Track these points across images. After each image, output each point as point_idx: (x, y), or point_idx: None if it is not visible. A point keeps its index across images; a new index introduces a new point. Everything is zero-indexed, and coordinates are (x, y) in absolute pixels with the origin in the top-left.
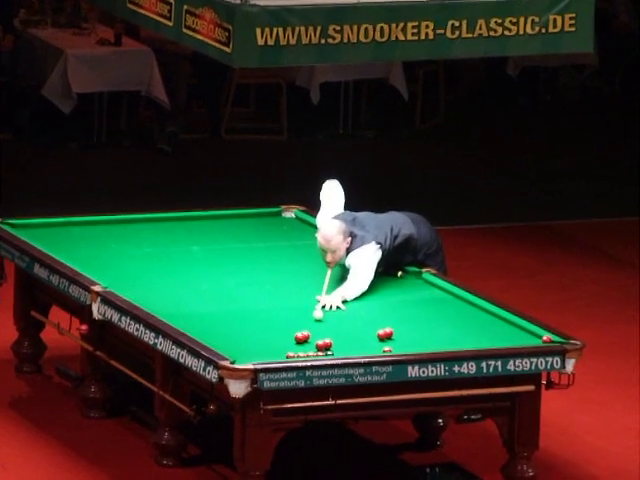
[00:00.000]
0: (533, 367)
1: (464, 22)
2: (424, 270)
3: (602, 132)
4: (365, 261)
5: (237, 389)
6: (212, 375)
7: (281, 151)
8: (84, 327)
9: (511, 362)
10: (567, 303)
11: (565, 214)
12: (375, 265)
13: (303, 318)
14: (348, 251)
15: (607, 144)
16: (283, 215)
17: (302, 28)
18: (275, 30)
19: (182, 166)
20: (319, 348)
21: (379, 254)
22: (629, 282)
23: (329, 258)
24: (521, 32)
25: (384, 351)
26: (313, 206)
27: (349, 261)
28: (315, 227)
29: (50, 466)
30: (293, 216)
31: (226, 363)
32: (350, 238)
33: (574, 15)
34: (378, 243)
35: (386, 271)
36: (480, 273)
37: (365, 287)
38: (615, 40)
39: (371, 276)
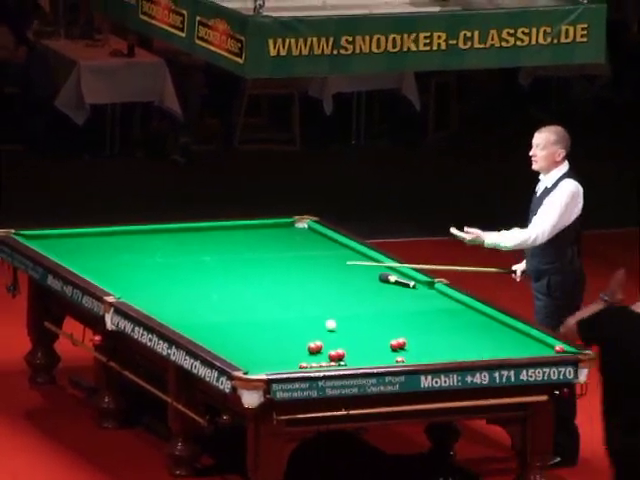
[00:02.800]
0: (546, 377)
1: (476, 33)
2: (437, 280)
3: (614, 142)
4: (551, 210)
5: (250, 399)
6: (225, 385)
7: (294, 162)
8: (97, 338)
9: (524, 372)
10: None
11: None
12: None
13: (316, 328)
14: (548, 170)
15: (619, 154)
16: (296, 226)
17: (314, 39)
18: (287, 41)
19: (195, 177)
20: (332, 358)
21: (578, 203)
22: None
23: (533, 152)
24: (533, 42)
25: (397, 361)
26: (326, 217)
27: (547, 198)
28: (328, 238)
29: (63, 477)
30: (306, 227)
31: (239, 374)
32: (562, 156)
33: (586, 26)
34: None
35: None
36: (491, 283)
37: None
38: (627, 51)
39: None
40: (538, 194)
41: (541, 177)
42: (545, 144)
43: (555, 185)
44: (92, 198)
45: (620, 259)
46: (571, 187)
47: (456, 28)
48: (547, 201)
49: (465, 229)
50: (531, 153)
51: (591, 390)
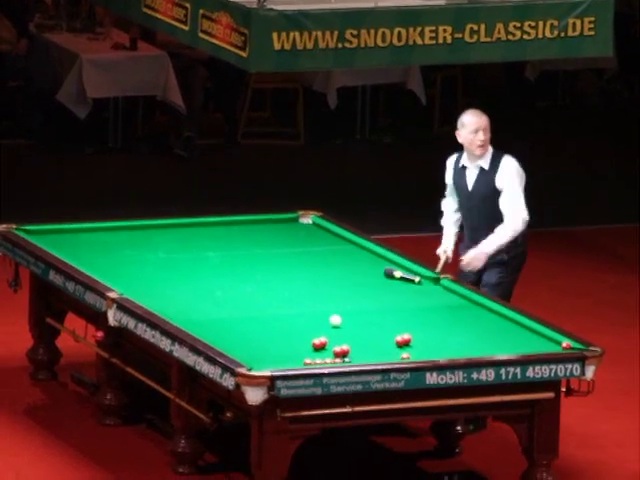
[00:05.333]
0: (552, 374)
1: (482, 26)
2: (442, 276)
3: (622, 136)
4: (514, 194)
5: (254, 396)
6: (229, 382)
7: (298, 156)
8: (100, 334)
9: (530, 369)
10: (586, 309)
11: (584, 219)
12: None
13: (320, 325)
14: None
15: (627, 148)
16: (300, 221)
17: (319, 32)
18: (292, 34)
19: (198, 171)
20: (336, 355)
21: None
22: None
23: (484, 136)
24: (540, 36)
25: (402, 358)
26: (330, 212)
27: (502, 181)
28: (333, 233)
29: (65, 474)
30: (310, 222)
31: (243, 370)
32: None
33: (593, 19)
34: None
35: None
36: None
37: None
38: (635, 44)
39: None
40: (473, 177)
41: (466, 161)
42: (489, 127)
43: (495, 165)
44: (94, 192)
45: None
46: (514, 162)
47: (462, 21)
48: (505, 184)
49: (463, 261)
50: (484, 138)
51: (598, 388)
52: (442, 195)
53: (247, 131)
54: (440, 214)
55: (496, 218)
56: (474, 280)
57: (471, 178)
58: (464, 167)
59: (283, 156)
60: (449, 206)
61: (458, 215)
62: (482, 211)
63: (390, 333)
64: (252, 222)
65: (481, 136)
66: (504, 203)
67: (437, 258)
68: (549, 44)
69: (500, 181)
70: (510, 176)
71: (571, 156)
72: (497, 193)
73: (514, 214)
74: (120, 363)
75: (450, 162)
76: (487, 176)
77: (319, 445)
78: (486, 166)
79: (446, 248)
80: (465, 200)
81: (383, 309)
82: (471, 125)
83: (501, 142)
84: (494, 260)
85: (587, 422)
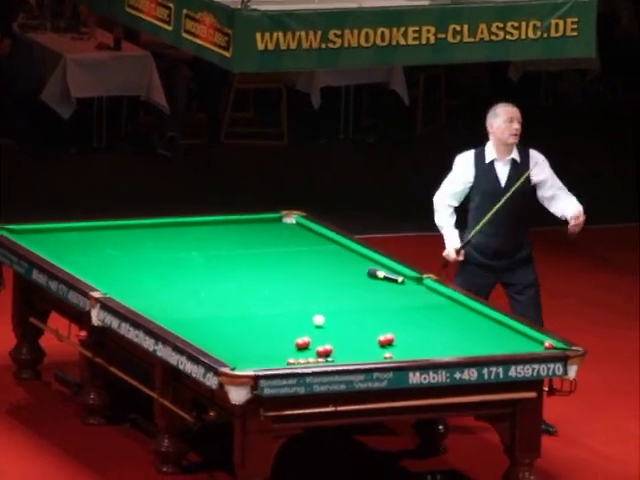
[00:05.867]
0: (535, 373)
1: (465, 26)
2: (425, 276)
3: (604, 137)
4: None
5: (237, 396)
6: (212, 382)
7: (281, 156)
8: (83, 333)
9: (513, 368)
10: (570, 308)
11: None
12: None
13: (303, 324)
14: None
15: (609, 149)
16: (284, 221)
17: (302, 33)
18: (275, 35)
19: (182, 171)
20: (320, 354)
21: None
22: (630, 288)
23: (517, 126)
24: (523, 37)
25: (385, 357)
26: (314, 211)
27: (543, 172)
28: (316, 233)
29: (49, 473)
30: (294, 222)
31: (226, 370)
32: None
33: (576, 20)
34: None
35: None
36: None
37: None
38: (617, 45)
39: None
40: (506, 172)
41: (494, 155)
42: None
43: (524, 158)
44: (78, 192)
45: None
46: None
47: (445, 22)
48: (548, 176)
49: (575, 226)
50: (518, 127)
51: (581, 387)
52: (425, 192)
53: (230, 131)
54: (430, 212)
55: (525, 211)
56: (491, 284)
57: (503, 172)
58: (492, 162)
59: (266, 156)
60: (447, 205)
61: (455, 215)
62: (515, 205)
63: (373, 333)
64: (235, 222)
65: (516, 125)
66: (559, 191)
67: (441, 259)
68: (532, 45)
69: (540, 174)
70: (548, 167)
71: (555, 157)
72: (530, 187)
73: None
74: (104, 362)
75: (467, 159)
76: (519, 169)
77: (302, 444)
78: (518, 159)
79: (456, 247)
80: (490, 196)
81: (366, 309)
82: (506, 114)
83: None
84: (521, 257)
85: (570, 421)
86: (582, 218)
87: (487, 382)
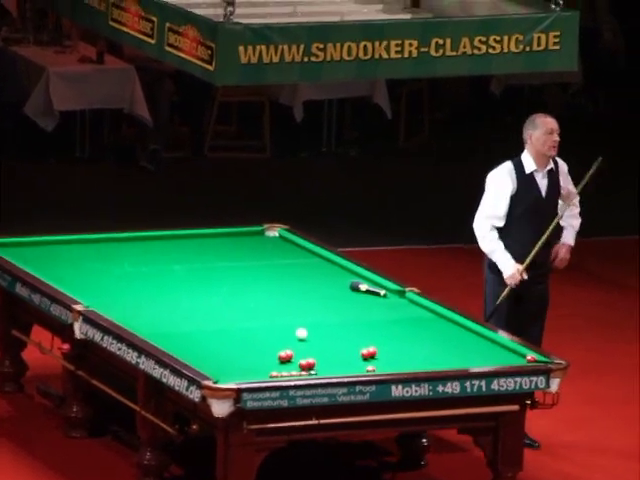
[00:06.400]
0: (517, 387)
1: (448, 40)
2: (407, 289)
3: (587, 150)
4: None
5: (220, 409)
6: (195, 395)
7: (264, 169)
8: (66, 346)
9: (495, 382)
10: (560, 321)
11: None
12: None
13: (286, 337)
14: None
15: (592, 162)
16: (266, 234)
17: (285, 46)
18: (258, 48)
19: (165, 184)
20: (302, 368)
21: None
22: (610, 299)
23: (556, 137)
24: (505, 50)
25: (367, 370)
26: (297, 225)
27: (565, 179)
28: (299, 246)
29: None
30: (277, 235)
31: (209, 383)
32: None
33: (558, 33)
34: None
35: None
36: (471, 291)
37: None
38: (599, 58)
39: None
40: (545, 182)
41: (533, 166)
42: None
43: (555, 166)
44: (61, 205)
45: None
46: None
47: (428, 35)
48: (569, 182)
49: (560, 261)
50: (557, 138)
51: (564, 400)
52: (408, 206)
53: (213, 144)
54: (412, 225)
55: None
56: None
57: (543, 183)
58: (532, 173)
59: (249, 169)
60: (493, 227)
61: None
62: (551, 214)
63: (356, 346)
64: (218, 235)
65: (556, 137)
66: (576, 198)
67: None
68: (514, 58)
69: (564, 181)
70: (568, 173)
71: None
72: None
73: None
74: (86, 375)
75: (505, 173)
76: (554, 178)
77: (285, 458)
78: (553, 169)
79: (519, 267)
80: (534, 207)
81: (349, 322)
82: (546, 125)
83: (468, 156)
84: (548, 269)
85: (553, 434)
86: (568, 257)
87: (469, 395)
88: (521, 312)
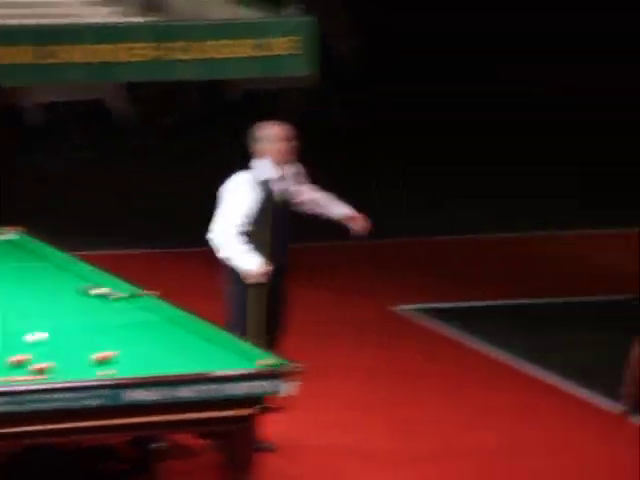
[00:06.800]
0: (250, 391)
1: (181, 44)
2: (144, 293)
3: (324, 154)
4: None
5: None
6: None
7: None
8: None
9: (227, 386)
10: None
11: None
12: None
13: (18, 342)
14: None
15: (330, 165)
16: (2, 237)
17: (13, 48)
18: None
19: None
20: (35, 372)
21: None
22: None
23: (290, 144)
24: (240, 55)
25: (101, 375)
26: (35, 228)
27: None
28: (34, 249)
29: None
30: (13, 238)
31: None
32: None
33: (296, 39)
34: None
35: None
36: (212, 296)
37: None
38: (335, 66)
39: None
40: (282, 185)
41: (269, 172)
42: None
43: (292, 169)
44: None
45: None
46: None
47: (161, 39)
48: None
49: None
50: (290, 145)
51: (306, 404)
52: (147, 208)
53: None
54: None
55: None
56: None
57: (279, 188)
58: (268, 179)
59: None
60: (237, 233)
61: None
62: (288, 218)
63: (89, 350)
64: None
65: (287, 144)
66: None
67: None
68: (250, 63)
69: (300, 184)
70: (305, 176)
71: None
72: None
73: None
74: None
75: (244, 181)
76: (290, 183)
77: (24, 464)
78: (289, 174)
79: (262, 260)
80: (272, 212)
81: (82, 326)
82: (276, 133)
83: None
84: (286, 270)
85: (295, 438)
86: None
87: (203, 399)
88: (267, 314)
